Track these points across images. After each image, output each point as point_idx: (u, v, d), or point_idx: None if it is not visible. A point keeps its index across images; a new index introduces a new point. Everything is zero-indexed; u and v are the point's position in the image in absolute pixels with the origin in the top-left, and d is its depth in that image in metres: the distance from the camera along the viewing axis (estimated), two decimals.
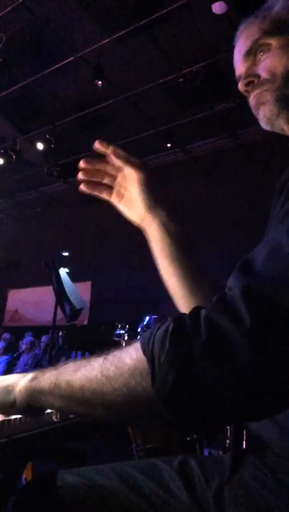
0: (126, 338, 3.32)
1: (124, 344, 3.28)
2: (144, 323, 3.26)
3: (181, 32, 5.08)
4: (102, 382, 0.52)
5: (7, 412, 0.69)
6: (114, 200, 0.88)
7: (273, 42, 0.72)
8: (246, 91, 0.77)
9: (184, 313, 0.48)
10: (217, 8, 4.43)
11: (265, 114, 0.74)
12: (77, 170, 0.90)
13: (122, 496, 0.66)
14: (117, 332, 3.38)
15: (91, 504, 0.66)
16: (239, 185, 7.39)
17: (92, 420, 0.74)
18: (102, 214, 9.15)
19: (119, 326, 3.39)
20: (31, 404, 0.64)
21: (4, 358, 6.85)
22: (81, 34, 5.30)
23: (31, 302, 9.57)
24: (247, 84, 0.75)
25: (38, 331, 7.58)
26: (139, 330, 3.27)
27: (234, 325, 0.43)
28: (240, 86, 0.77)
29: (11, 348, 7.36)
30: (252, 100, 0.76)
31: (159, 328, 0.49)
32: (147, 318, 3.27)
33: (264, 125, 0.75)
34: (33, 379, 0.64)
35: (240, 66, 0.78)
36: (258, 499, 0.57)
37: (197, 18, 4.86)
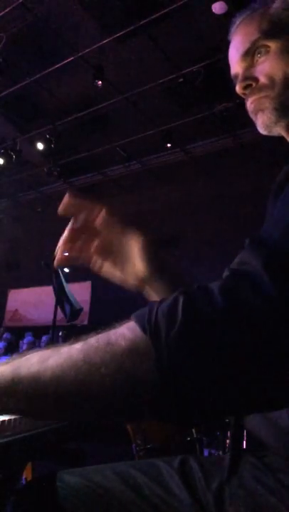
0: None
1: None
2: None
3: (181, 32, 5.08)
4: (85, 369, 0.43)
5: None
6: (102, 257, 0.80)
7: (272, 44, 0.71)
8: (244, 93, 0.76)
9: (187, 288, 0.44)
10: (217, 8, 4.43)
11: (263, 121, 0.73)
12: (67, 195, 0.83)
13: (122, 496, 0.65)
14: None
15: (91, 504, 0.65)
16: (239, 185, 7.39)
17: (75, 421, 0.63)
18: None
19: None
20: None
21: (4, 358, 6.85)
22: (81, 34, 5.30)
23: (31, 302, 9.57)
24: (245, 88, 0.74)
25: (38, 331, 7.57)
26: None
27: (257, 294, 0.40)
28: (238, 89, 0.76)
29: (11, 348, 7.35)
30: (250, 105, 0.75)
31: (160, 303, 0.44)
32: None
33: (262, 131, 0.75)
34: None
35: (236, 66, 0.77)
36: (259, 499, 0.57)
37: (197, 18, 4.86)
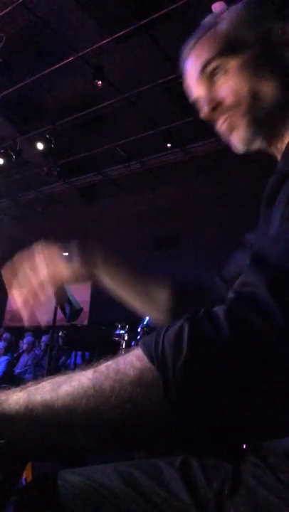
0: (126, 338, 3.31)
1: (124, 345, 3.27)
2: (144, 323, 3.25)
3: (181, 32, 5.08)
4: (96, 399, 0.43)
5: None
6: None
7: (230, 63, 0.69)
8: (211, 117, 0.73)
9: (193, 314, 0.44)
10: (217, 8, 4.42)
11: (240, 139, 0.71)
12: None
13: (122, 495, 0.65)
14: (117, 332, 3.37)
15: (92, 504, 0.66)
16: (239, 185, 7.39)
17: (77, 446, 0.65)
18: (102, 214, 9.17)
19: (119, 326, 3.38)
20: None
21: (4, 358, 6.84)
22: (81, 34, 5.30)
23: None
24: (211, 110, 0.72)
25: (38, 331, 7.57)
26: (139, 330, 3.27)
27: (265, 321, 0.39)
28: (204, 112, 0.73)
29: (11, 348, 7.35)
30: (221, 127, 0.73)
31: (166, 330, 0.44)
32: (147, 318, 3.27)
33: (239, 149, 0.73)
34: None
35: (196, 89, 0.75)
36: (259, 499, 0.57)
37: (197, 18, 4.85)
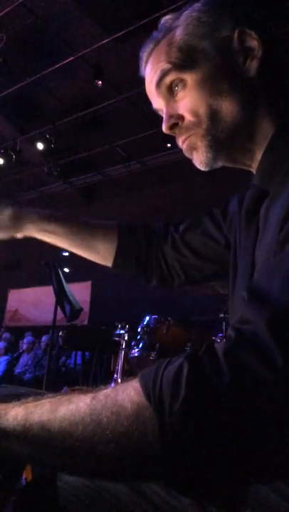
0: (126, 338, 3.31)
1: (124, 345, 3.27)
2: (144, 323, 3.25)
3: None
4: (91, 428, 0.42)
5: None
6: None
7: (188, 77, 0.65)
8: (172, 133, 0.70)
9: (194, 353, 0.42)
10: None
11: (201, 161, 0.68)
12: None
13: (122, 495, 0.65)
14: (117, 332, 3.37)
15: (91, 504, 0.65)
16: (239, 185, 7.39)
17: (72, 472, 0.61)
18: (101, 214, 9.17)
19: (119, 326, 3.38)
20: None
21: (4, 358, 6.85)
22: (81, 34, 5.31)
23: (31, 302, 9.57)
24: (171, 127, 0.69)
25: (38, 331, 7.58)
26: (139, 330, 3.27)
27: (264, 364, 0.38)
28: (165, 129, 0.70)
29: (11, 348, 7.36)
30: (181, 145, 0.70)
31: (165, 367, 0.43)
32: (147, 318, 3.27)
33: (202, 168, 0.70)
34: None
35: (156, 100, 0.73)
36: (268, 502, 0.56)
37: None
